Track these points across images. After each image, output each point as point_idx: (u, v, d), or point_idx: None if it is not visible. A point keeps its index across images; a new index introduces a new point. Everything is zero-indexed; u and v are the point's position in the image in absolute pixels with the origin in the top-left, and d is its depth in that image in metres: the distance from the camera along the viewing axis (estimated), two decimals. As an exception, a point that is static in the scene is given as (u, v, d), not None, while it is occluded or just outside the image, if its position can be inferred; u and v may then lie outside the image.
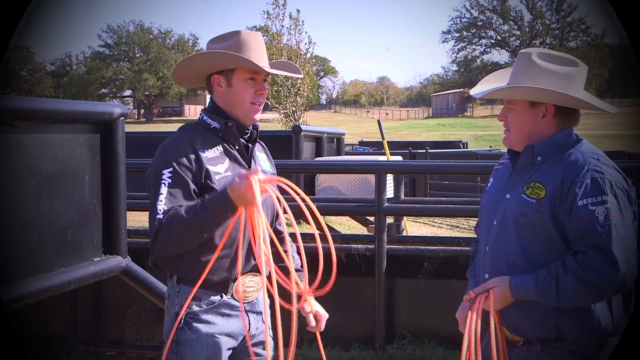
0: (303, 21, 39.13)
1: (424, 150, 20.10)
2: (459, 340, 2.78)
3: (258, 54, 3.00)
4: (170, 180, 2.84)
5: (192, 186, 2.86)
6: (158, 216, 2.80)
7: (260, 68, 2.95)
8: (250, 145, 3.09)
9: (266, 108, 37.78)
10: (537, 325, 2.74)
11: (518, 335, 2.83)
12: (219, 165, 2.93)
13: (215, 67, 3.01)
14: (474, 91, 3.07)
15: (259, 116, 3.07)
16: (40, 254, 3.48)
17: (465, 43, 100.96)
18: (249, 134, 3.08)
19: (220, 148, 2.98)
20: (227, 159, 2.97)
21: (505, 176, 2.94)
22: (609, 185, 2.60)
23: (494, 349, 2.68)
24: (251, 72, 2.99)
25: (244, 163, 3.02)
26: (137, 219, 10.35)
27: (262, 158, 3.18)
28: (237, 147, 3.02)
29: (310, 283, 3.03)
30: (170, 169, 2.85)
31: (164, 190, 2.83)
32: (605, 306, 2.67)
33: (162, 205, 2.81)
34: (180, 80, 3.20)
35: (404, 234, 9.72)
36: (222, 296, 2.97)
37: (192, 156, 2.88)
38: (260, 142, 3.23)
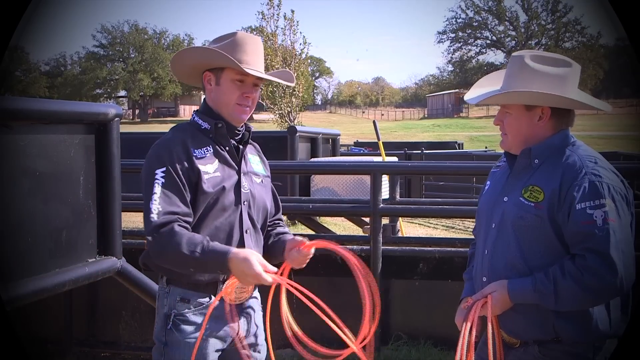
0: (298, 22, 39.13)
1: (420, 151, 20.16)
2: (454, 341, 2.78)
3: (252, 56, 3.00)
4: (163, 180, 2.84)
5: (186, 186, 2.86)
6: (152, 215, 2.79)
7: (244, 70, 2.94)
8: (241, 146, 3.07)
9: (261, 109, 37.80)
10: (535, 327, 2.74)
11: (515, 337, 2.82)
12: (208, 165, 2.92)
13: (206, 64, 3.02)
14: (467, 97, 3.05)
15: (246, 117, 3.06)
16: (35, 255, 3.47)
17: (461, 43, 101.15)
18: (240, 135, 3.07)
19: (210, 149, 2.97)
20: (217, 160, 2.96)
21: (502, 179, 2.94)
22: (606, 188, 2.60)
23: (490, 354, 2.67)
24: (240, 74, 2.98)
25: (233, 164, 3.01)
26: (132, 220, 10.34)
27: (254, 160, 3.16)
28: (227, 148, 3.01)
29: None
30: (164, 169, 2.85)
31: (157, 189, 2.83)
32: (603, 308, 2.67)
33: (156, 206, 2.80)
34: (180, 75, 3.20)
35: (400, 234, 9.72)
36: (210, 298, 2.96)
37: (185, 155, 2.88)
38: (254, 144, 3.22)
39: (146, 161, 2.94)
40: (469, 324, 2.72)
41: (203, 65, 3.03)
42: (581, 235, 2.58)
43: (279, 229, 3.27)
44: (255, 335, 3.14)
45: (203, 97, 3.13)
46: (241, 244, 2.99)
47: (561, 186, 2.66)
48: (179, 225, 2.80)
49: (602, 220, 2.55)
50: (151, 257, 2.91)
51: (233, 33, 3.03)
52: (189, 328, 2.92)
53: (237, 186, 2.99)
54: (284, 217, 12.26)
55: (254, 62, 3.01)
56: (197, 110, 3.12)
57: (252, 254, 2.76)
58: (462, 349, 2.68)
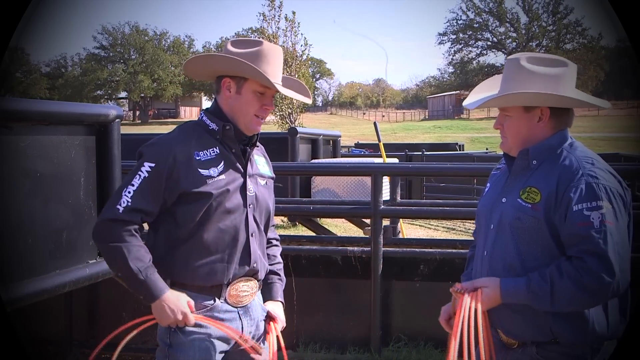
0: (299, 23, 39.09)
1: (420, 153, 20.15)
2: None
3: (275, 69, 2.98)
4: (146, 175, 2.83)
5: (163, 188, 2.85)
6: (118, 206, 2.82)
7: (275, 87, 2.93)
8: (248, 149, 3.05)
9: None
10: (532, 328, 2.73)
11: (513, 338, 2.82)
12: (212, 169, 2.90)
13: (229, 71, 2.97)
14: (467, 102, 3.05)
15: (260, 128, 3.05)
16: (35, 256, 3.47)
17: (462, 45, 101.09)
18: (247, 138, 3.06)
19: (216, 150, 2.95)
20: (222, 162, 2.94)
21: (501, 180, 2.94)
22: (603, 190, 2.60)
23: (481, 349, 2.66)
24: (262, 86, 2.96)
25: (239, 167, 2.99)
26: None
27: (260, 162, 3.15)
28: (233, 150, 2.99)
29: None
30: (152, 165, 2.84)
31: (136, 182, 2.84)
32: (601, 310, 2.66)
33: (127, 198, 2.82)
34: (192, 72, 3.17)
35: (400, 236, 9.72)
36: (215, 300, 2.95)
37: (182, 160, 2.86)
38: (260, 145, 3.20)
39: (142, 150, 2.93)
40: (466, 308, 2.69)
41: (225, 71, 2.99)
42: (578, 237, 2.57)
43: (272, 250, 3.30)
44: (259, 338, 3.13)
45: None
46: (247, 247, 2.99)
47: (558, 187, 2.65)
48: (134, 231, 2.83)
49: (599, 222, 2.55)
50: (97, 245, 2.97)
51: (259, 42, 2.98)
52: (193, 330, 2.92)
53: (243, 189, 2.98)
54: (285, 219, 12.30)
55: (276, 74, 2.99)
56: (207, 109, 3.09)
57: (178, 302, 2.86)
58: (463, 331, 2.65)
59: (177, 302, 2.85)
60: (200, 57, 3.08)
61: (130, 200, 2.82)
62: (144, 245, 2.85)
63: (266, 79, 2.90)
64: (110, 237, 2.81)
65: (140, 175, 2.84)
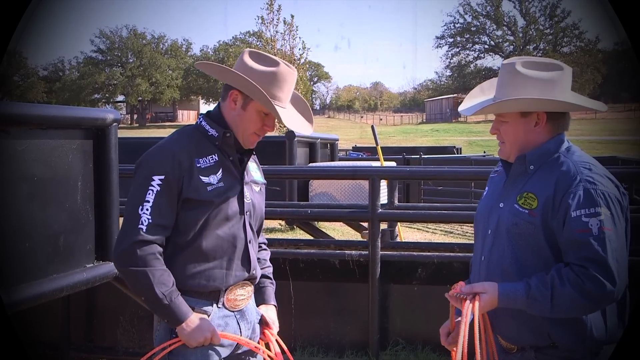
0: (297, 27, 39.08)
1: (418, 156, 20.15)
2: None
3: (286, 94, 2.95)
4: (159, 189, 2.81)
5: (177, 198, 2.84)
6: (141, 226, 2.78)
7: (281, 120, 2.90)
8: (245, 157, 3.03)
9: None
10: (530, 333, 2.73)
11: (512, 342, 2.82)
12: (212, 176, 2.89)
13: (240, 88, 2.92)
14: (462, 108, 3.03)
15: (255, 144, 3.04)
16: (32, 261, 3.46)
17: (459, 48, 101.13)
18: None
19: (215, 157, 2.93)
20: (221, 169, 2.93)
21: (499, 184, 2.93)
22: (601, 196, 2.59)
23: (478, 353, 2.65)
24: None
25: (236, 174, 2.98)
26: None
27: (252, 168, 3.14)
28: (231, 157, 2.98)
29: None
30: (162, 177, 2.82)
31: (150, 197, 2.81)
32: (599, 315, 2.66)
33: (147, 216, 2.79)
34: (204, 69, 3.15)
35: (398, 239, 9.71)
36: (213, 305, 2.95)
37: (186, 166, 2.84)
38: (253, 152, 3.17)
39: (145, 160, 2.90)
40: (468, 312, 2.68)
41: (235, 85, 2.93)
42: (577, 244, 2.57)
43: (262, 254, 3.26)
44: (256, 341, 3.13)
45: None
46: (246, 254, 2.99)
47: (555, 193, 2.65)
48: (158, 255, 2.81)
49: (598, 229, 2.54)
50: (117, 267, 2.91)
51: (276, 62, 2.93)
52: None
53: (240, 196, 2.98)
54: (282, 222, 12.27)
55: (286, 98, 2.97)
56: (207, 114, 3.06)
57: (204, 323, 2.86)
58: (465, 340, 2.64)
59: (202, 323, 2.84)
60: (216, 66, 3.03)
61: (150, 217, 2.79)
62: (167, 270, 2.83)
63: (275, 112, 2.87)
64: (135, 261, 2.78)
65: (152, 190, 2.81)
